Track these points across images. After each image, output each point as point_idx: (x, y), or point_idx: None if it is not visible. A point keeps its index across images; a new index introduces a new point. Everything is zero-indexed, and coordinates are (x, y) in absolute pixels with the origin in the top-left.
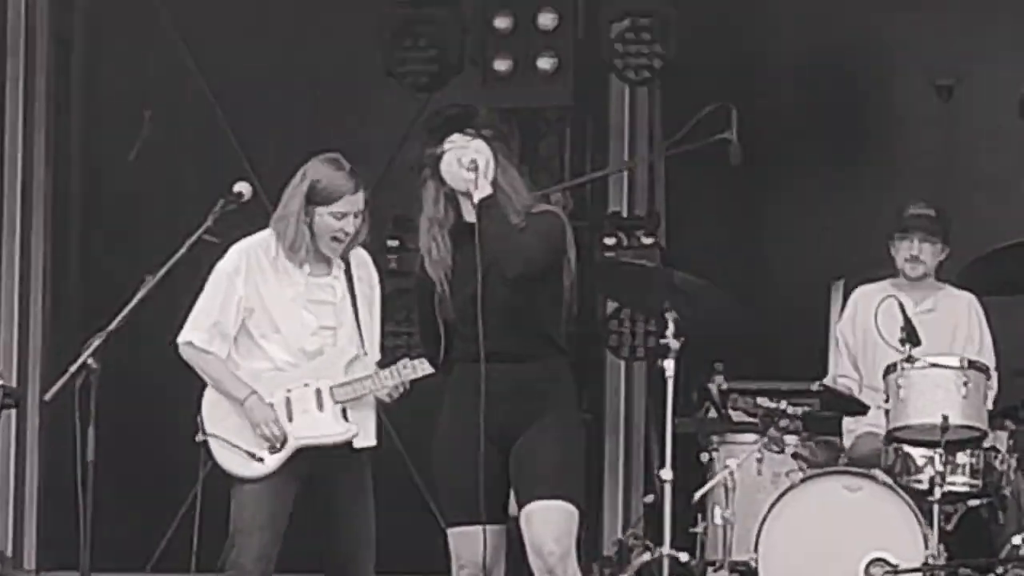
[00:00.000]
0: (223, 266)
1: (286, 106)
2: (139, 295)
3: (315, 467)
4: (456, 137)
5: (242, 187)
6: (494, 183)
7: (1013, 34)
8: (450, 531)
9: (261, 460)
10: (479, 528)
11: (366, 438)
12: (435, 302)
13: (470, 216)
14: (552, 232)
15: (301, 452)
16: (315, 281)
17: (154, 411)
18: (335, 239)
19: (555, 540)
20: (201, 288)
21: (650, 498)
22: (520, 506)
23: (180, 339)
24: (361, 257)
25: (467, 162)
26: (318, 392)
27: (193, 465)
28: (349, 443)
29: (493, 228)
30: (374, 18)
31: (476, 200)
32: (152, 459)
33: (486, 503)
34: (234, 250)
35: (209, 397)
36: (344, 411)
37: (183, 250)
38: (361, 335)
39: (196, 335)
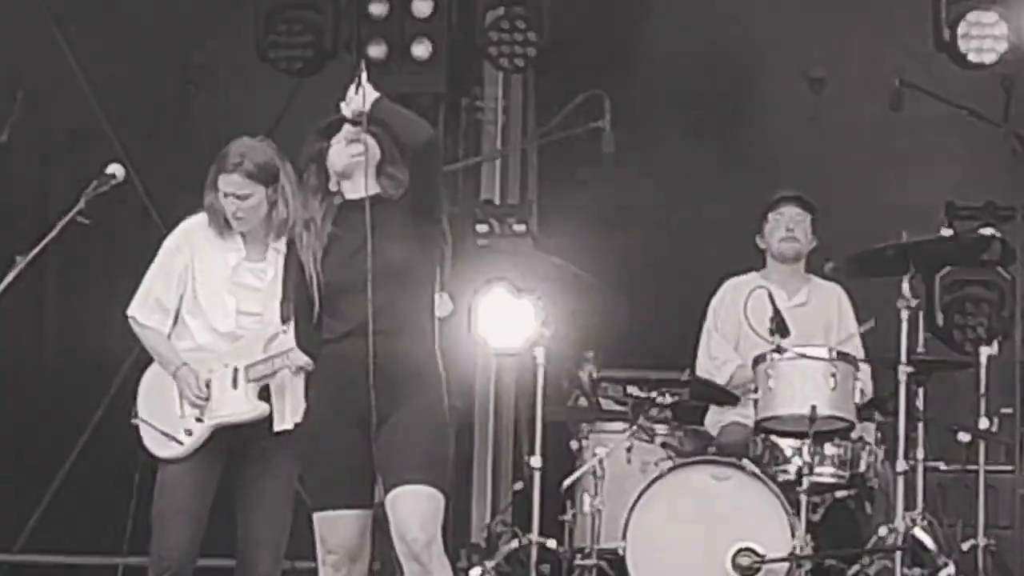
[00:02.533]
0: (167, 242)
1: (159, 89)
2: (10, 276)
3: (234, 447)
4: (343, 129)
5: (115, 169)
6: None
7: (884, 27)
8: (316, 516)
9: (179, 442)
10: (345, 512)
11: (284, 419)
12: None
13: (352, 194)
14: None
15: (220, 433)
16: (248, 265)
17: (28, 395)
18: (230, 216)
19: (420, 526)
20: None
21: (519, 485)
22: (386, 491)
23: (128, 312)
24: None
25: (350, 134)
26: (235, 371)
27: (66, 446)
28: (268, 424)
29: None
30: (249, 1)
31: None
32: (24, 440)
33: (352, 487)
34: (180, 226)
35: (145, 381)
36: (263, 391)
37: (55, 231)
38: (287, 315)
39: (138, 310)
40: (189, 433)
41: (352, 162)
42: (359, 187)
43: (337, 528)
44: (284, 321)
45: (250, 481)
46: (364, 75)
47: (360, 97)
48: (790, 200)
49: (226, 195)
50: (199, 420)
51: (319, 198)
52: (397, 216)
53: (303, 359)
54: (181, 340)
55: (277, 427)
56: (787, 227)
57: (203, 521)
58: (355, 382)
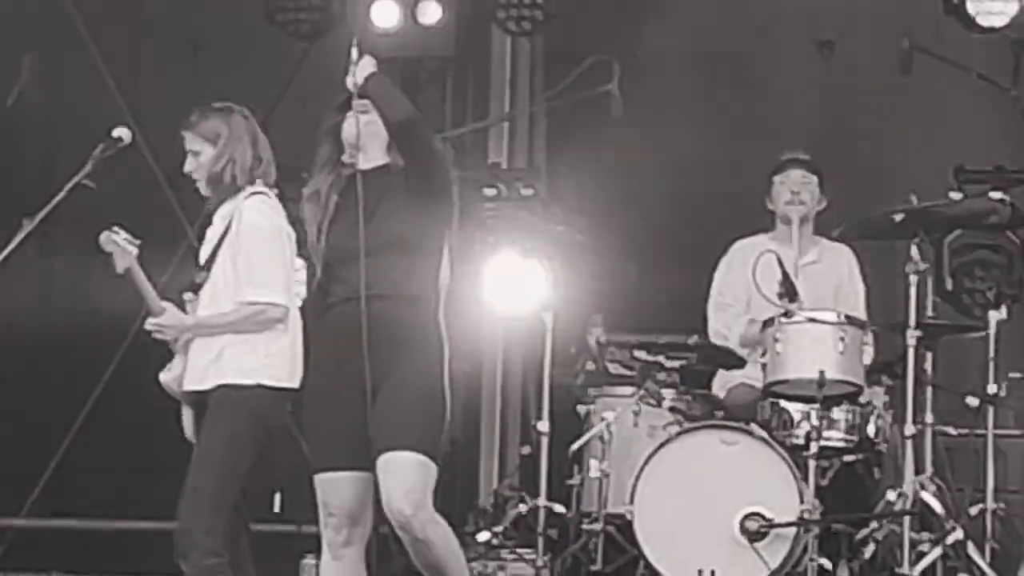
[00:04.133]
0: None
1: (166, 51)
2: (17, 239)
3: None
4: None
5: (121, 132)
6: None
7: None
8: (316, 478)
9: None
10: (345, 474)
11: (189, 383)
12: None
13: (363, 164)
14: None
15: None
16: (207, 233)
17: (36, 358)
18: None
19: (404, 496)
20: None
21: (527, 449)
22: (375, 455)
23: None
24: (241, 206)
25: (359, 106)
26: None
27: (74, 410)
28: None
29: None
30: None
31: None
32: (32, 404)
33: (352, 450)
34: None
35: None
36: (186, 355)
37: (62, 194)
38: (200, 285)
39: None
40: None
41: (363, 132)
42: (370, 158)
43: (337, 490)
44: (194, 291)
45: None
46: (355, 51)
47: (358, 70)
48: (795, 163)
49: (186, 153)
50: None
51: (327, 170)
52: (402, 186)
53: (149, 324)
54: None
55: (191, 387)
56: (792, 190)
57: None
58: (354, 346)
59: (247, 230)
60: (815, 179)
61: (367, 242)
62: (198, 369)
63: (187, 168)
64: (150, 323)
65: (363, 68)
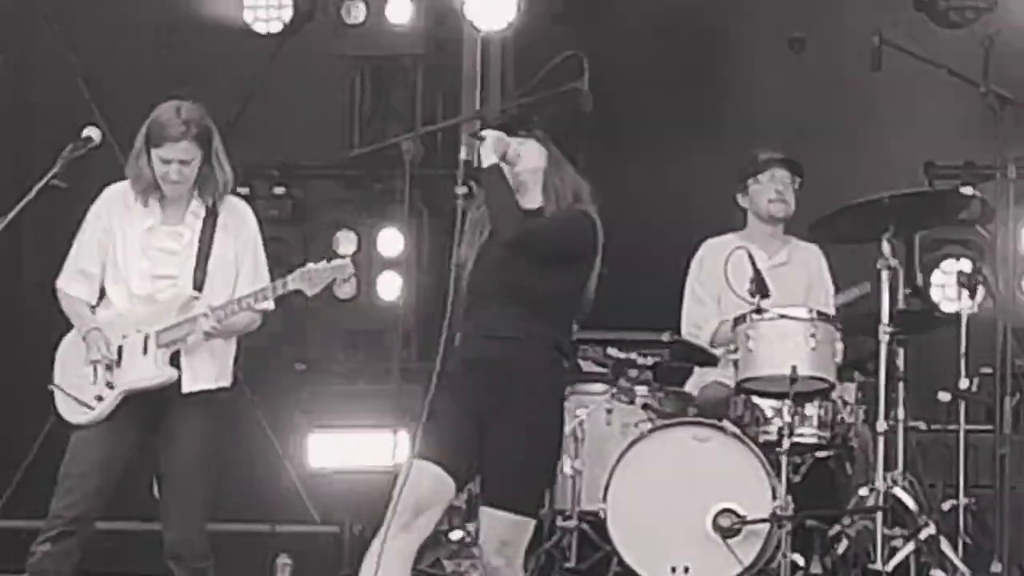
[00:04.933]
0: (91, 211)
1: (137, 50)
2: None
3: (154, 412)
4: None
5: (91, 132)
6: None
7: None
8: (413, 463)
9: (90, 407)
10: (427, 464)
11: (195, 381)
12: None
13: (527, 204)
14: (571, 224)
15: (134, 399)
16: (165, 229)
17: (5, 359)
18: (166, 183)
19: (499, 548)
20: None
21: None
22: (482, 498)
23: (56, 284)
24: (233, 206)
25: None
26: (146, 337)
27: (44, 414)
28: (178, 387)
29: (503, 198)
30: None
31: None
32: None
33: (445, 452)
34: (103, 193)
35: (62, 346)
36: (174, 355)
37: (31, 195)
38: (201, 280)
39: (62, 280)
40: (100, 399)
41: (519, 181)
42: (527, 200)
43: (415, 477)
44: (197, 287)
45: (163, 447)
46: (465, 142)
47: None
48: (781, 163)
49: (169, 161)
50: (110, 386)
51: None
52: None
53: (209, 325)
54: (105, 309)
55: (185, 388)
56: (776, 189)
57: (108, 485)
58: (478, 381)
59: (253, 237)
60: (799, 181)
61: (501, 285)
62: (203, 368)
63: (175, 178)
64: (210, 324)
65: (486, 155)
